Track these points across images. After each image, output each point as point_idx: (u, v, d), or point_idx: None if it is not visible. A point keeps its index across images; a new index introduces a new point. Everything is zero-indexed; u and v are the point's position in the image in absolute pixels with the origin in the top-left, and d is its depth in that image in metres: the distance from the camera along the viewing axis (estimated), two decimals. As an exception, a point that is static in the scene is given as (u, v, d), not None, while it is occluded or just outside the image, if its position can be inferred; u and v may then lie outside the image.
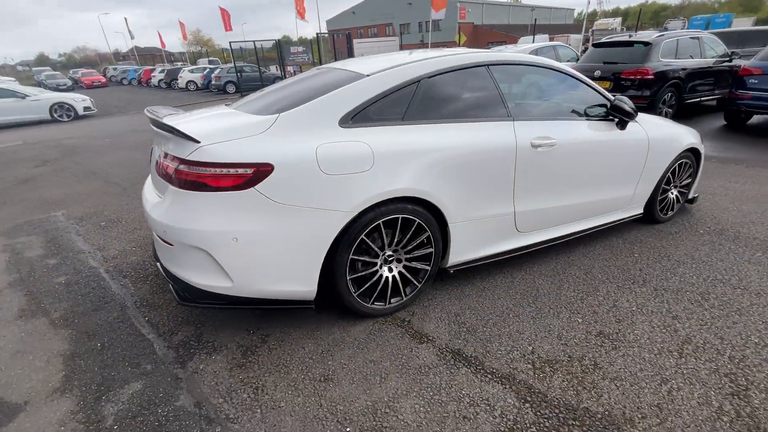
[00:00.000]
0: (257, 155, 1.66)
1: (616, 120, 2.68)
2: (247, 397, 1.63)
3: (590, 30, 33.15)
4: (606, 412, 1.54)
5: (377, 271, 2.05)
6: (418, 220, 2.02)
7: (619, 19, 41.81)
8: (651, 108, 6.73)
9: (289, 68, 20.10)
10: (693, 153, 3.23)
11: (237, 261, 1.71)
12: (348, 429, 1.48)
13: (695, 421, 1.50)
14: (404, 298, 2.18)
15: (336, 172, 1.77)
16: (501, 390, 1.65)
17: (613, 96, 2.68)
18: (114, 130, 9.81)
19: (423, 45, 30.14)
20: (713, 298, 2.26)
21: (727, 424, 1.48)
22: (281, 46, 18.20)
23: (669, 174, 3.13)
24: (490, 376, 1.72)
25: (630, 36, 7.69)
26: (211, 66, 23.32)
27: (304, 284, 1.84)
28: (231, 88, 19.25)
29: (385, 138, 1.90)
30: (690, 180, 3.35)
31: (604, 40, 8.36)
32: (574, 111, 2.76)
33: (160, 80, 25.02)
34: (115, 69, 33.50)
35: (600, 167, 2.69)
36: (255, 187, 1.65)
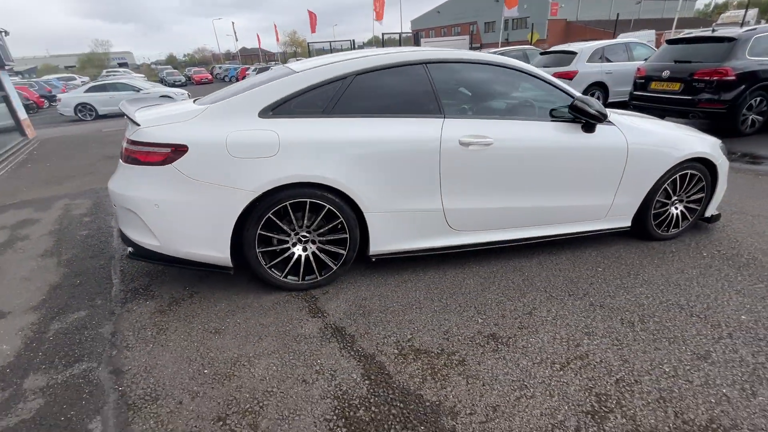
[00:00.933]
0: (177, 138, 1.99)
1: (582, 122, 2.50)
2: (149, 334, 1.98)
3: (713, 24, 28.53)
4: (437, 402, 1.57)
5: (289, 248, 2.27)
6: (327, 206, 2.18)
7: (754, 11, 35.15)
8: (731, 115, 5.80)
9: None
10: (704, 164, 2.83)
11: (160, 224, 2.07)
12: (206, 371, 1.74)
13: (523, 427, 1.45)
14: (318, 278, 2.36)
15: (243, 155, 2.03)
16: (353, 366, 1.76)
17: (576, 95, 2.51)
18: None
19: (508, 43, 28.91)
20: (653, 322, 2.04)
21: (553, 437, 1.41)
22: (353, 47, 19.07)
23: (667, 186, 2.79)
24: (352, 353, 1.84)
25: (713, 31, 6.62)
26: (295, 65, 25.22)
27: (217, 251, 2.14)
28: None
29: (298, 129, 2.11)
30: (702, 195, 2.93)
31: (681, 35, 7.34)
32: (532, 111, 2.65)
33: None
34: (220, 68, 38.08)
35: (559, 172, 2.53)
36: (173, 163, 1.99)
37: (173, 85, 29.52)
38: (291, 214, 2.17)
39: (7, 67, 7.52)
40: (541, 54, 9.25)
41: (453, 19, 46.13)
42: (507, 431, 1.44)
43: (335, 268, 2.36)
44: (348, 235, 2.29)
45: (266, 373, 1.72)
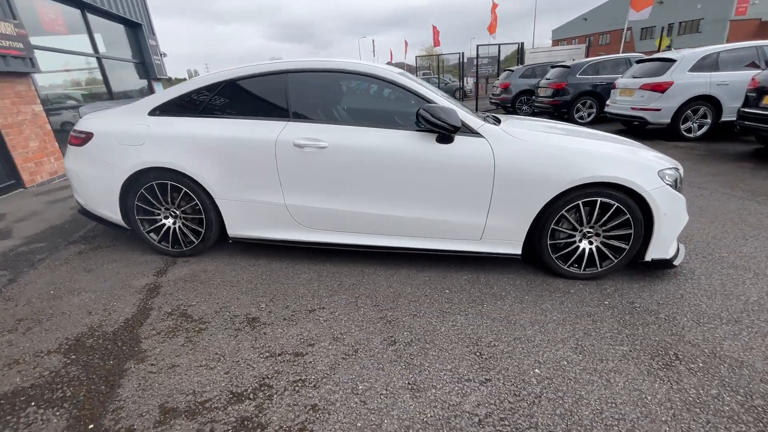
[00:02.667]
0: (89, 128, 2.75)
1: (436, 132, 2.37)
2: (57, 264, 2.80)
3: None
4: (163, 353, 1.87)
5: (161, 220, 2.81)
6: (184, 189, 2.65)
7: None
8: None
9: (469, 79, 20.75)
10: (628, 193, 2.30)
11: (81, 188, 2.87)
12: (59, 290, 2.40)
13: (185, 383, 1.65)
14: (184, 249, 2.84)
15: (125, 143, 2.66)
16: (137, 308, 2.18)
17: (428, 105, 2.37)
18: None
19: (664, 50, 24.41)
20: (417, 348, 1.89)
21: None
22: (463, 59, 19.00)
23: (566, 214, 2.38)
24: (149, 302, 2.26)
25: None
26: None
27: (112, 213, 2.82)
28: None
29: (164, 125, 2.64)
30: (630, 231, 2.36)
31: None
32: (389, 119, 2.61)
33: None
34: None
35: (410, 182, 2.45)
36: (85, 145, 2.74)
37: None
38: (157, 192, 2.71)
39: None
40: (638, 62, 7.81)
41: (602, 26, 41.13)
42: (168, 385, 1.67)
43: (196, 243, 2.81)
44: (204, 216, 2.72)
45: (82, 301, 2.30)
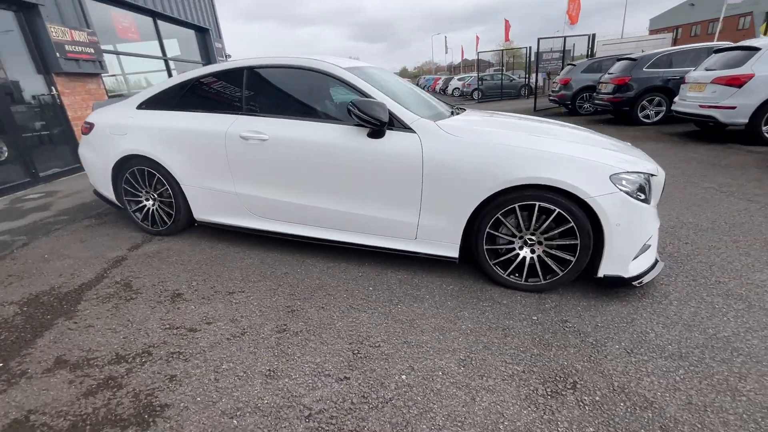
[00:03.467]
0: (91, 120, 3.19)
1: (368, 128, 2.33)
2: (60, 231, 3.30)
3: None
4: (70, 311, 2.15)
5: (142, 201, 3.16)
6: (157, 174, 2.95)
7: None
8: None
9: (539, 75, 19.35)
10: (573, 199, 2.05)
11: (89, 172, 3.35)
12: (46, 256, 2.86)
13: (93, 342, 1.89)
14: (160, 228, 3.15)
15: (114, 133, 3.04)
16: (96, 272, 2.51)
17: (359, 98, 2.32)
18: None
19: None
20: (299, 339, 1.92)
21: None
22: (530, 54, 17.83)
23: (501, 217, 2.19)
24: (107, 269, 2.58)
25: None
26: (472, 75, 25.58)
27: (110, 194, 3.24)
28: (477, 95, 20.76)
29: (142, 118, 2.96)
30: (576, 242, 2.11)
31: None
32: (333, 113, 2.60)
33: (439, 87, 29.85)
34: (424, 79, 42.24)
35: (344, 176, 2.44)
36: (88, 134, 3.19)
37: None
38: (137, 177, 3.05)
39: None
40: (715, 52, 6.63)
41: (714, 12, 35.43)
42: (75, 342, 1.92)
43: (169, 224, 3.11)
44: (173, 200, 3.00)
45: (61, 266, 2.71)
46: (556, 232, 2.12)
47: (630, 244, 2.06)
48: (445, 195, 2.24)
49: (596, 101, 9.23)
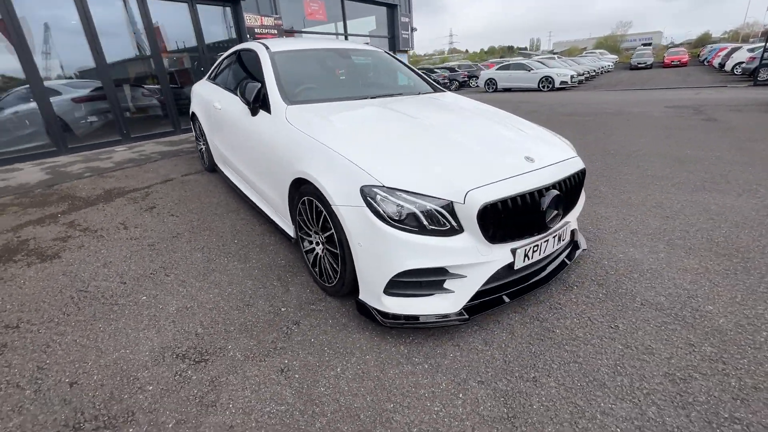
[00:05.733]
0: (193, 87, 4.67)
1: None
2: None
3: None
4: None
5: (199, 143, 4.47)
6: (199, 127, 4.15)
7: None
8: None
9: None
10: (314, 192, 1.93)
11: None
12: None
13: None
14: (204, 169, 4.41)
15: (192, 96, 4.39)
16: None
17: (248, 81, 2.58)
18: (564, 100, 12.25)
19: None
20: (99, 303, 2.69)
21: None
22: None
23: (300, 208, 2.21)
24: (54, 223, 4.03)
25: None
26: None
27: (195, 137, 4.75)
28: (764, 74, 14.14)
29: (200, 85, 4.14)
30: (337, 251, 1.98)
31: None
32: None
33: (718, 62, 21.56)
34: (708, 49, 31.12)
35: (242, 146, 2.92)
36: (192, 97, 4.72)
37: (636, 68, 27.82)
38: (193, 125, 4.35)
39: (407, 51, 12.28)
40: None
41: None
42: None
43: (207, 165, 4.32)
44: (203, 146, 4.16)
45: (113, 208, 4.36)
46: (325, 235, 1.99)
47: (374, 273, 1.73)
48: (273, 175, 2.40)
49: None
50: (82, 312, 2.06)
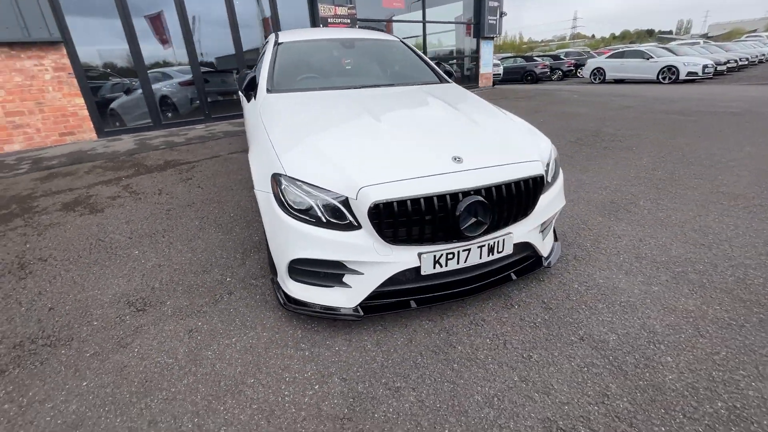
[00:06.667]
0: None
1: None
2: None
3: None
4: None
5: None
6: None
7: None
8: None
9: None
10: None
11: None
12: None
13: None
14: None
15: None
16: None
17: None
18: (679, 95, 10.46)
19: None
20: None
21: None
22: None
23: None
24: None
25: None
26: None
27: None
28: None
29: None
30: None
31: None
32: None
33: None
34: None
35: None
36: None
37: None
38: None
39: (493, 38, 11.51)
40: None
41: None
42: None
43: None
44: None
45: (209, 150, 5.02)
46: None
47: (279, 257, 1.82)
48: (259, 155, 2.62)
49: None
50: (90, 256, 2.57)
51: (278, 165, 1.77)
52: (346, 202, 1.63)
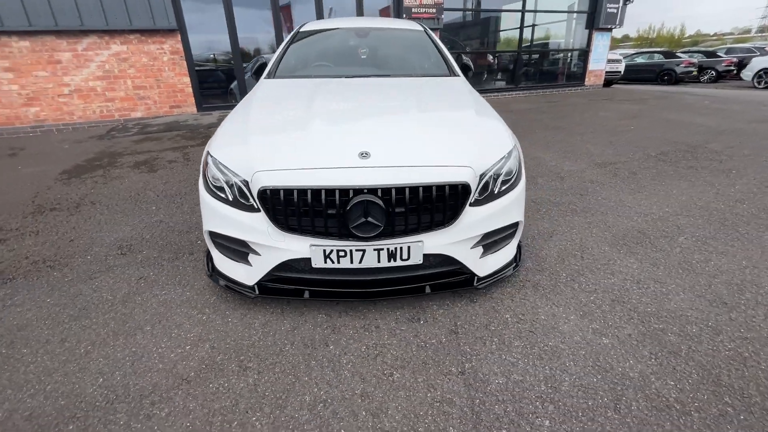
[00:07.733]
0: None
1: None
2: None
3: None
4: None
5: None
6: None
7: None
8: None
9: None
10: None
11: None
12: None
13: None
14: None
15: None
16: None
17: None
18: None
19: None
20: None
21: None
22: None
23: None
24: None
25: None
26: None
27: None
28: None
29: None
30: None
31: None
32: None
33: None
34: None
35: None
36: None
37: None
38: None
39: (612, 28, 9.92)
40: None
41: None
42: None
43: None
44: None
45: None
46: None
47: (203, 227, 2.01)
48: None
49: None
50: (121, 206, 3.14)
51: (211, 143, 1.93)
52: (247, 185, 1.71)
